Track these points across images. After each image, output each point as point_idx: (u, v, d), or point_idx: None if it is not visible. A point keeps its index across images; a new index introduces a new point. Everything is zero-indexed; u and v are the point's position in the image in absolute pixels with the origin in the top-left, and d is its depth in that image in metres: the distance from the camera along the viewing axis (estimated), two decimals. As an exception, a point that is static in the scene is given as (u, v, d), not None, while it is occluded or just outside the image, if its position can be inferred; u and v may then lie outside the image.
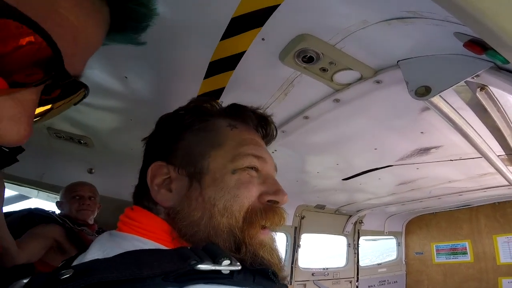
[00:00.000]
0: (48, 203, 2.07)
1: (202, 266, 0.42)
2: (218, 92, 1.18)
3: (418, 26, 0.77)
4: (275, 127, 0.72)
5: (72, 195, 1.69)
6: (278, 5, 0.79)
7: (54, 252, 1.48)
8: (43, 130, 1.61)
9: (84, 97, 0.38)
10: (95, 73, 1.07)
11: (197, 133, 0.61)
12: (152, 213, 0.57)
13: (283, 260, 0.61)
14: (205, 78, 1.10)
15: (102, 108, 1.38)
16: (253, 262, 0.53)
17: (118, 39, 0.40)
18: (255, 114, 0.68)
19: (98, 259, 0.43)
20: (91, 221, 1.73)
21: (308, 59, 0.97)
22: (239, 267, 0.45)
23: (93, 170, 2.02)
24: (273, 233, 0.60)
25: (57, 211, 1.70)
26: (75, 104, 0.39)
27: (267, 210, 0.57)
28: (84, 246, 0.59)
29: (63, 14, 0.29)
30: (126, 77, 1.12)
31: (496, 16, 0.42)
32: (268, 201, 0.58)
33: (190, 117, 0.62)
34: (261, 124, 0.68)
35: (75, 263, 0.48)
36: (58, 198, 1.77)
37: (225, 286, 0.42)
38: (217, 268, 0.43)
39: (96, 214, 1.77)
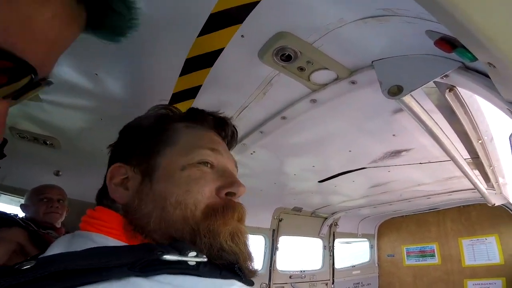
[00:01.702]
0: (11, 207, 1.93)
1: (168, 257, 0.43)
2: (195, 90, 1.15)
3: (392, 25, 0.79)
4: (235, 129, 0.75)
5: (39, 197, 1.60)
6: (258, 2, 0.79)
7: (17, 256, 1.37)
8: (5, 130, 1.50)
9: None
10: (62, 69, 1.00)
11: (155, 135, 0.64)
12: (112, 210, 0.59)
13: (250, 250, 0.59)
14: (180, 75, 1.07)
15: (70, 107, 1.30)
16: (210, 254, 0.51)
17: (91, 33, 0.40)
18: (212, 116, 0.71)
19: (62, 252, 0.43)
20: (58, 225, 1.63)
21: (286, 57, 0.97)
22: (205, 259, 0.47)
23: (60, 173, 1.91)
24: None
25: (21, 214, 1.58)
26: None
27: (227, 207, 0.57)
28: None
29: (38, 29, 0.30)
30: (96, 74, 1.06)
31: (466, 10, 0.44)
32: (226, 194, 0.59)
33: (148, 122, 0.66)
34: (219, 125, 0.71)
35: None
36: (22, 201, 1.66)
37: (190, 277, 0.43)
38: (183, 258, 0.44)
39: (64, 217, 1.68)
